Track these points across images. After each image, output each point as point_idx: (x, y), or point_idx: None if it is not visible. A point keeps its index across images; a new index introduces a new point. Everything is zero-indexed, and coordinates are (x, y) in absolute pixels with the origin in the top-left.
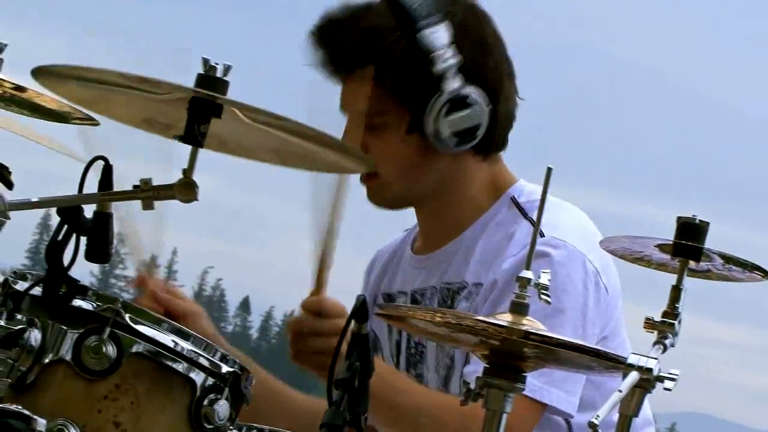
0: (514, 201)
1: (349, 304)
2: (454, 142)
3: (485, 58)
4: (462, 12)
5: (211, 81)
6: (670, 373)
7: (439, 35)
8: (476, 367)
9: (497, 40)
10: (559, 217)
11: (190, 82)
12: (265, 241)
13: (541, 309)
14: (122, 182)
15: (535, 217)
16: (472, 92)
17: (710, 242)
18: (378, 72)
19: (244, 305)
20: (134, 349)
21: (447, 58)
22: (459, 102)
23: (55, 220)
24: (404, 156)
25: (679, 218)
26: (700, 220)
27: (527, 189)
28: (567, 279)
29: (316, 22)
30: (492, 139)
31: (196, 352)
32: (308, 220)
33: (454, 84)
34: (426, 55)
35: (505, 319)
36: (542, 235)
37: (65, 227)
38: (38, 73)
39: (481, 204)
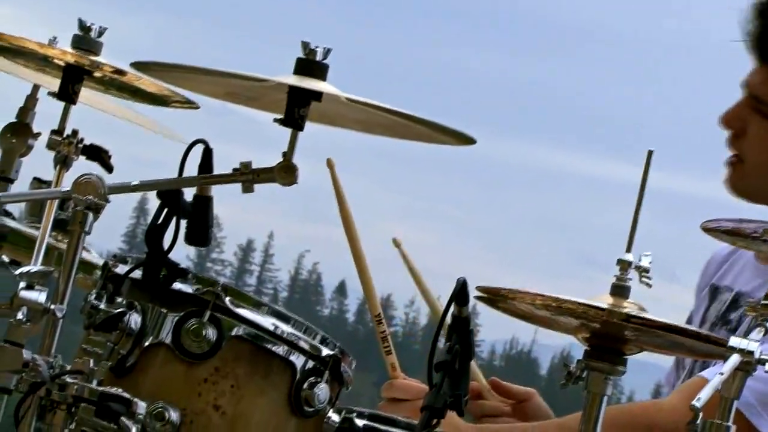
0: None
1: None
2: None
3: None
4: None
5: (310, 65)
6: None
7: None
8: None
9: None
10: None
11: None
12: (362, 225)
13: None
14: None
15: None
16: None
17: None
18: None
19: (341, 289)
20: (234, 332)
21: None
22: None
23: (152, 204)
24: None
25: None
26: None
27: None
28: None
29: None
30: None
31: (296, 335)
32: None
33: None
34: None
35: (605, 301)
36: None
37: (165, 210)
38: (136, 65)
39: None
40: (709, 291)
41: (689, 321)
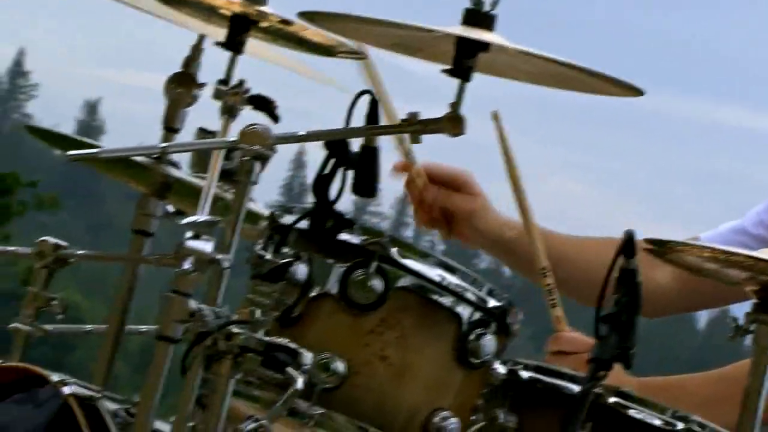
0: None
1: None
2: None
3: None
4: None
5: (478, 15)
6: None
7: None
8: None
9: None
10: None
11: None
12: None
13: None
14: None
15: None
16: None
17: None
18: None
19: None
20: (400, 283)
21: None
22: None
23: (310, 156)
24: None
25: None
26: None
27: None
28: None
29: None
30: None
31: (462, 287)
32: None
33: None
34: None
35: None
36: None
37: (332, 161)
38: (303, 15)
39: None
40: None
41: None
